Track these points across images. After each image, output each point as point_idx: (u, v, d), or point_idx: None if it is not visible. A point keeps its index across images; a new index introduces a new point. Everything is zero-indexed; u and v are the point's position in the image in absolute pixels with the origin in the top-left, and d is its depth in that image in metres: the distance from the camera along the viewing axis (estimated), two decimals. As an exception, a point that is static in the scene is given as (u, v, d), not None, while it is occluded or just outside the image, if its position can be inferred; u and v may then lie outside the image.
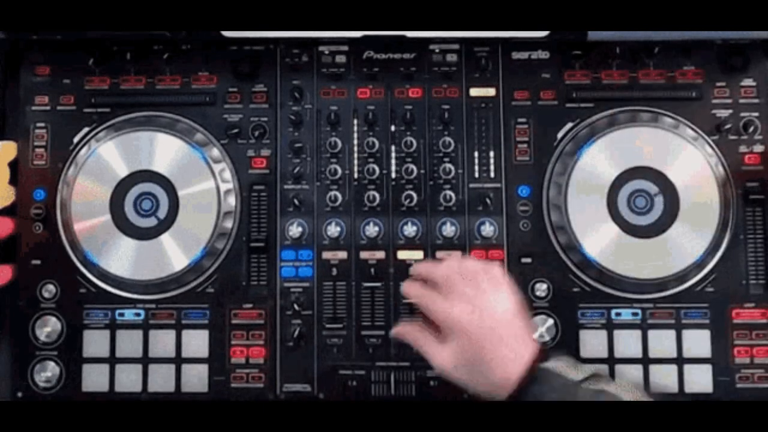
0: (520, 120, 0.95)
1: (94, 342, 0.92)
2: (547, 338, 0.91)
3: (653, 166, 0.91)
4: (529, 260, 0.93)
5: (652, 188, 0.91)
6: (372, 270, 0.93)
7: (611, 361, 0.91)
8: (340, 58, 0.96)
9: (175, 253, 0.91)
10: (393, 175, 0.94)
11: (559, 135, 0.94)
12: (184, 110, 0.95)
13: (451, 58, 0.96)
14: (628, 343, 0.91)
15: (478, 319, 0.76)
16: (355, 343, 0.92)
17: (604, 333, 0.92)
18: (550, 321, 0.92)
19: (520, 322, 0.78)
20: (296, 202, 0.93)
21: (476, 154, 0.94)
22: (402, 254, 0.93)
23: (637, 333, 0.91)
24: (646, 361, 0.91)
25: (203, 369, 0.92)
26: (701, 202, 0.90)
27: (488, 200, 0.93)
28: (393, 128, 0.95)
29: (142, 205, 0.91)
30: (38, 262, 0.93)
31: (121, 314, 0.92)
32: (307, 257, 0.93)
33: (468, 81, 0.95)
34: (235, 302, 0.93)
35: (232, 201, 0.93)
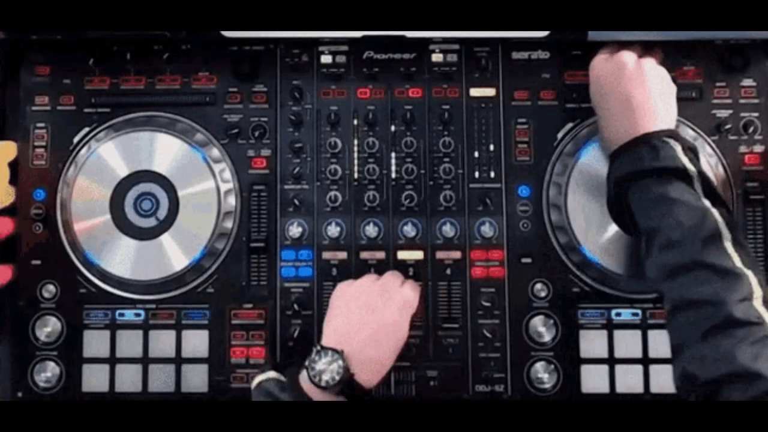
0: (520, 120, 0.95)
1: (94, 342, 0.92)
2: (546, 338, 0.91)
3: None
4: (529, 260, 0.93)
5: None
6: (372, 270, 0.92)
7: (611, 361, 0.91)
8: (340, 58, 0.96)
9: (175, 253, 0.91)
10: (393, 175, 0.94)
11: (559, 135, 0.94)
12: (184, 110, 0.95)
13: (451, 58, 0.96)
14: (628, 343, 0.91)
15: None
16: (355, 343, 0.92)
17: (604, 333, 0.92)
18: (550, 321, 0.92)
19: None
20: (296, 202, 0.93)
21: (476, 154, 0.94)
22: (402, 254, 0.93)
23: (637, 333, 0.91)
24: (646, 361, 0.91)
25: (203, 369, 0.92)
26: (701, 202, 0.90)
27: (488, 200, 0.93)
28: (393, 128, 0.95)
29: (142, 205, 0.91)
30: (38, 262, 0.93)
31: (121, 314, 0.92)
32: (307, 257, 0.93)
33: (468, 81, 0.95)
34: (235, 302, 0.93)
35: (232, 201, 0.93)
